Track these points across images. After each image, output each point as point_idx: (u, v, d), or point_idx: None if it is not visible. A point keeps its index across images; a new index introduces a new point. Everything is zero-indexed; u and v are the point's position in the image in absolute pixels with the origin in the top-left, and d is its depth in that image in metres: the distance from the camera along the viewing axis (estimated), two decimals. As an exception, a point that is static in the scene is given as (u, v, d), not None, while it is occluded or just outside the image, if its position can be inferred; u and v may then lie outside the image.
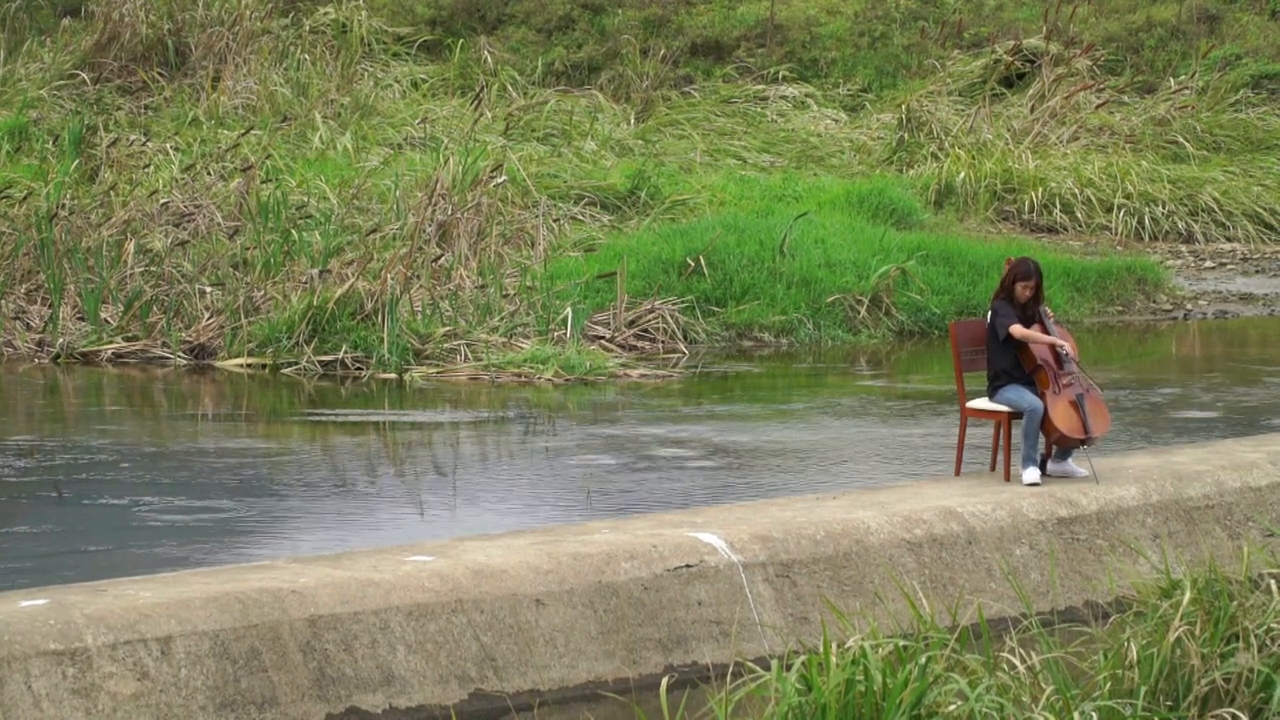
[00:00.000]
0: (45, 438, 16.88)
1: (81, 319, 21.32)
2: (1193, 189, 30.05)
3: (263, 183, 24.46)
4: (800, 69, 35.62)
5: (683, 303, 22.09)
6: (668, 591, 10.85)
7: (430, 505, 14.37)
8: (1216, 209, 29.79)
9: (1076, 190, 29.65)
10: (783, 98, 34.11)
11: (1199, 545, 12.61)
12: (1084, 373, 13.17)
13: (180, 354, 20.48)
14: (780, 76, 35.01)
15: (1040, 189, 29.55)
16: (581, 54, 36.22)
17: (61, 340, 20.80)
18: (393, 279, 20.38)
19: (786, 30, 36.68)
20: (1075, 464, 13.23)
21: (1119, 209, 29.47)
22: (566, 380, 19.46)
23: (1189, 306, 25.39)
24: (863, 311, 22.75)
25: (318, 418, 18.27)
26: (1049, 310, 13.38)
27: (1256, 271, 27.96)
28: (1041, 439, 13.08)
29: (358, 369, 19.85)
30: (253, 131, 27.84)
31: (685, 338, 21.76)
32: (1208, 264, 28.20)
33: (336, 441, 17.04)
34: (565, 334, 20.67)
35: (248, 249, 22.15)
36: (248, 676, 9.53)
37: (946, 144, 31.01)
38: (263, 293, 20.94)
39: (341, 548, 11.80)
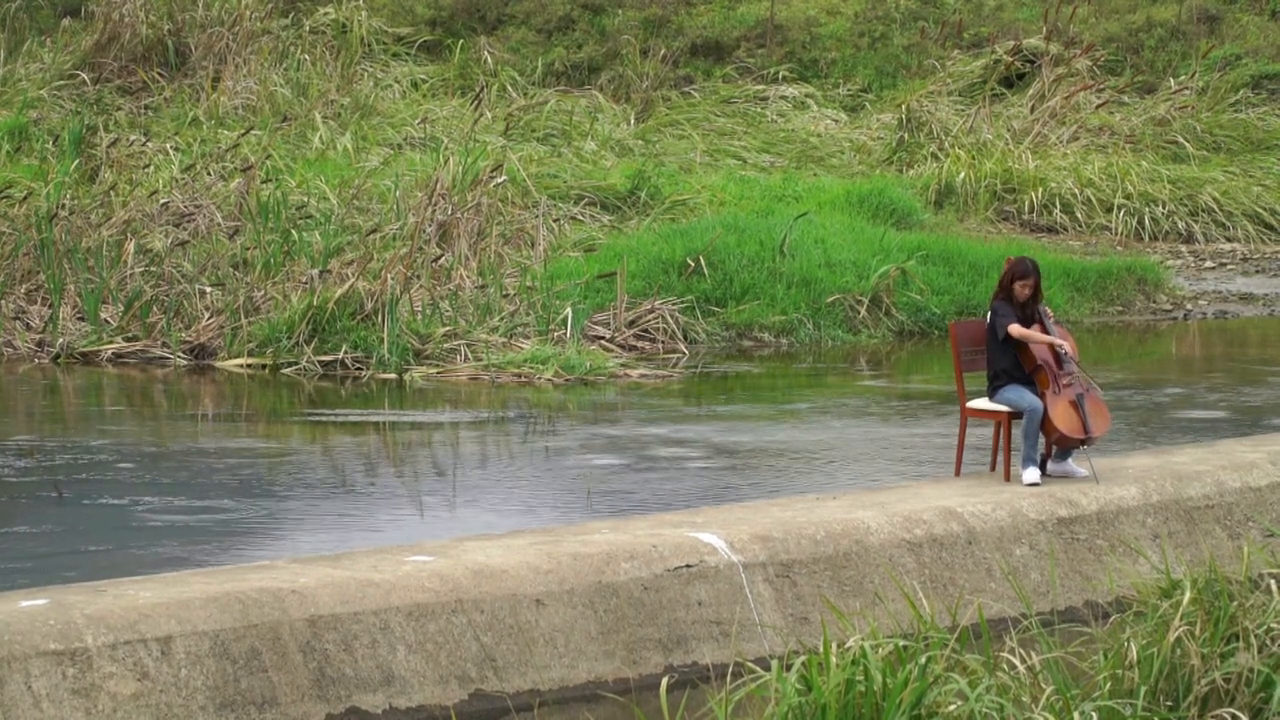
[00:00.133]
0: (45, 438, 16.88)
1: (81, 319, 21.32)
2: (1193, 189, 30.05)
3: (263, 183, 24.46)
4: (800, 69, 35.63)
5: (683, 303, 22.09)
6: (668, 591, 10.85)
7: (430, 505, 14.37)
8: (1216, 209, 29.79)
9: (1076, 190, 29.65)
10: (783, 98, 34.11)
11: (1199, 545, 12.61)
12: (1084, 373, 13.17)
13: (180, 354, 20.48)
14: (780, 77, 35.01)
15: (1040, 189, 29.55)
16: (581, 54, 36.22)
17: (61, 340, 20.80)
18: (393, 279, 20.38)
19: (786, 30, 36.68)
20: (1075, 464, 13.23)
21: (1119, 209, 29.47)
22: (566, 380, 19.46)
23: (1189, 307, 25.39)
24: (863, 311, 22.75)
25: (318, 418, 18.27)
26: (1049, 310, 13.38)
27: (1256, 271, 27.96)
28: (1041, 439, 13.07)
29: (358, 369, 19.85)
30: (253, 131, 27.85)
31: (685, 338, 21.76)
32: (1208, 264, 28.20)
33: (336, 442, 17.04)
34: (565, 334, 20.67)
35: (248, 249, 22.15)
36: (248, 676, 9.53)
37: (946, 144, 31.01)
38: (263, 293, 20.94)
39: (341, 548, 11.80)
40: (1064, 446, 13.17)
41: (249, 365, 20.10)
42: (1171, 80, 33.69)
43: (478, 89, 30.55)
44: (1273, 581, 9.52)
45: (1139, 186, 29.78)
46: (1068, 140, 31.51)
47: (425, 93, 33.38)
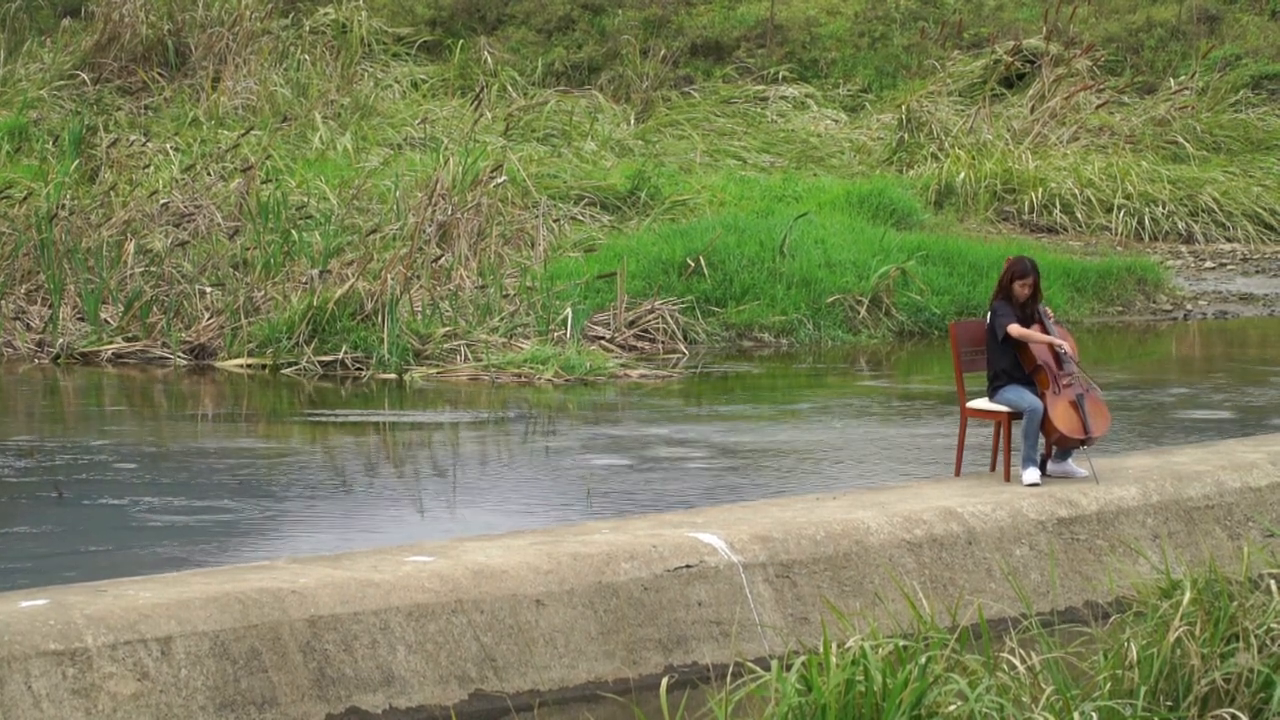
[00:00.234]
0: (45, 438, 16.88)
1: (81, 319, 21.32)
2: (1193, 189, 30.05)
3: (263, 183, 24.46)
4: (800, 69, 35.62)
5: (683, 303, 22.09)
6: (668, 592, 10.85)
7: (430, 505, 14.37)
8: (1216, 209, 29.79)
9: (1076, 190, 29.65)
10: (783, 98, 34.11)
11: (1199, 545, 12.61)
12: (1083, 373, 13.17)
13: (180, 354, 20.48)
14: (780, 77, 35.01)
15: (1040, 189, 29.55)
16: (581, 54, 36.22)
17: (61, 340, 20.80)
18: (393, 279, 20.38)
19: (786, 30, 36.68)
20: (1075, 464, 13.23)
21: (1119, 209, 29.47)
22: (566, 380, 19.46)
23: (1189, 307, 25.39)
24: (863, 312, 22.75)
25: (318, 418, 18.27)
26: (1049, 310, 13.38)
27: (1256, 272, 27.96)
28: (1041, 439, 13.08)
29: (358, 369, 19.85)
30: (253, 132, 27.85)
31: (685, 338, 21.76)
32: (1208, 264, 28.20)
33: (337, 442, 17.04)
34: (565, 334, 20.67)
35: (248, 249, 22.15)
36: (248, 677, 9.53)
37: (946, 144, 31.00)
38: (263, 293, 20.94)
39: (341, 548, 11.80)
40: (1064, 447, 13.17)
41: (249, 365, 20.10)
42: (1171, 80, 33.69)
43: (478, 89, 30.55)
44: (1273, 581, 9.52)
45: (1139, 187, 29.78)
46: (1068, 140, 31.51)
47: (425, 93, 33.38)
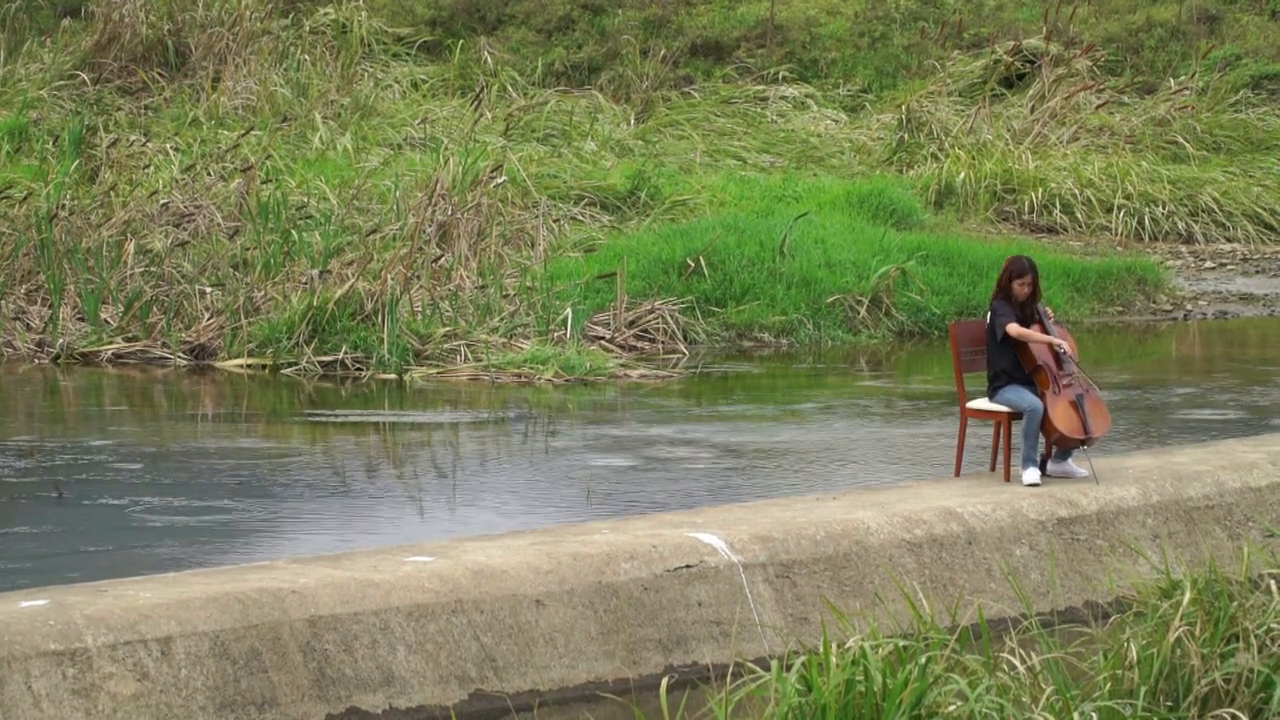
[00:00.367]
0: (45, 438, 16.88)
1: (81, 319, 21.32)
2: (1193, 189, 30.05)
3: (263, 183, 24.46)
4: (800, 69, 35.63)
5: (683, 303, 22.09)
6: (668, 592, 10.85)
7: (430, 505, 14.37)
8: (1216, 209, 29.80)
9: (1076, 190, 29.65)
10: (783, 98, 34.11)
11: (1199, 545, 12.61)
12: (1083, 373, 13.17)
13: (180, 354, 20.48)
14: (780, 77, 35.01)
15: (1040, 189, 29.56)
16: (581, 54, 36.22)
17: (61, 340, 20.80)
18: (393, 279, 20.39)
19: (786, 30, 36.68)
20: (1075, 464, 13.23)
21: (1119, 209, 29.47)
22: (566, 381, 19.46)
23: (1189, 307, 25.39)
24: (863, 312, 22.76)
25: (318, 418, 18.27)
26: (1050, 311, 13.38)
27: (1256, 272, 27.97)
28: (1041, 439, 13.08)
29: (358, 369, 19.85)
30: (253, 132, 27.85)
31: (685, 338, 21.76)
32: (1208, 264, 28.20)
33: (337, 442, 17.04)
34: (565, 334, 20.67)
35: (248, 249, 22.15)
36: (248, 677, 9.53)
37: (946, 144, 31.01)
38: (263, 293, 20.94)
39: (341, 548, 11.80)
40: (1064, 447, 13.18)
41: (249, 365, 20.10)
42: (1171, 80, 33.69)
43: (478, 89, 30.55)
44: (1273, 581, 9.52)
45: (1139, 187, 29.78)
46: (1068, 140, 31.51)
47: (425, 93, 33.38)
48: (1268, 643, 9.06)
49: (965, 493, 12.71)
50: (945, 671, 8.55)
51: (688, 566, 11.00)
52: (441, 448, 16.85)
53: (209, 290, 21.30)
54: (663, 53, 35.21)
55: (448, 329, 20.51)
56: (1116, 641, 9.18)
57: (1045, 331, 13.12)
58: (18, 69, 31.97)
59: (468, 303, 21.38)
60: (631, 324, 21.67)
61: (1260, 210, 29.94)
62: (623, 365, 20.30)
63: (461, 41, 35.50)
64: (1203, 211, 29.76)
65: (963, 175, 29.65)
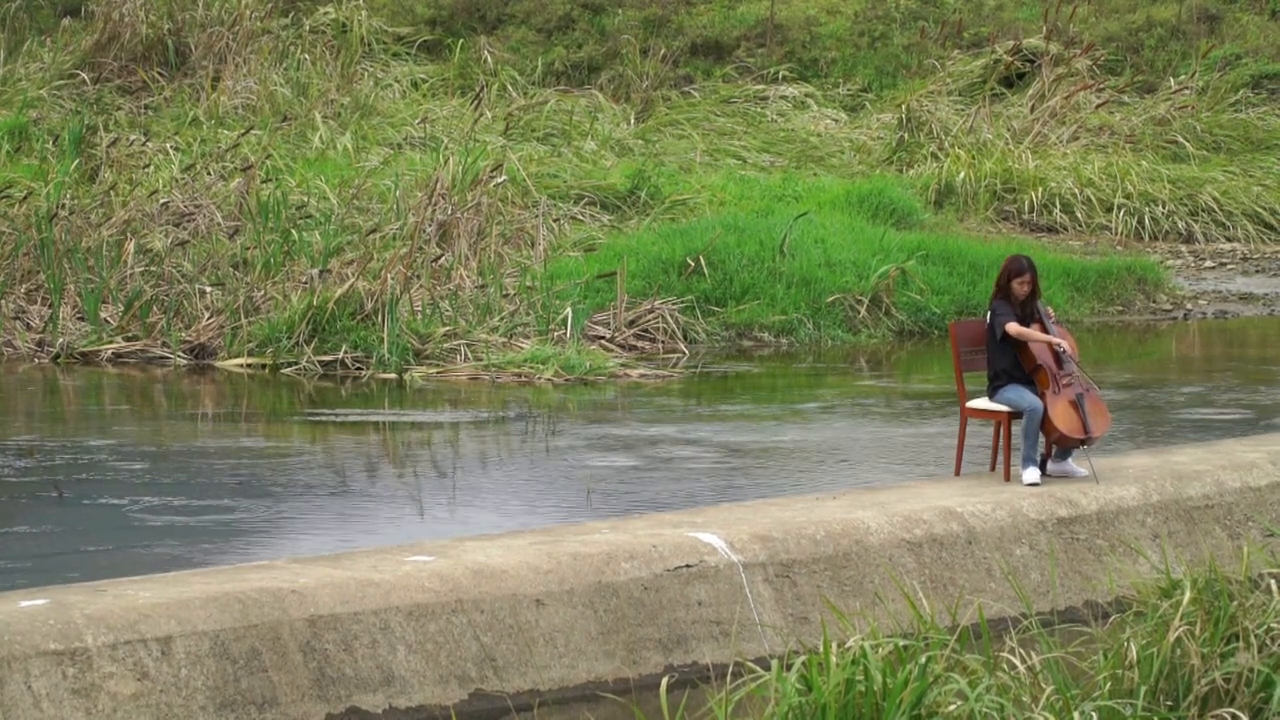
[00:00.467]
0: (45, 438, 16.87)
1: (81, 319, 21.32)
2: (1193, 189, 30.05)
3: (263, 183, 24.46)
4: (800, 69, 35.62)
5: (683, 303, 22.09)
6: (668, 591, 10.85)
7: (430, 505, 14.37)
8: (1216, 209, 29.79)
9: (1076, 190, 29.65)
10: (783, 98, 34.11)
11: (1199, 545, 12.61)
12: (1083, 372, 13.17)
13: (180, 354, 20.48)
14: (780, 76, 35.01)
15: (1040, 189, 29.55)
16: (581, 54, 36.22)
17: (61, 340, 20.80)
18: (393, 279, 20.38)
19: (786, 30, 36.68)
20: (1075, 464, 13.23)
21: (1119, 209, 29.47)
22: (566, 380, 19.46)
23: (1189, 306, 25.39)
24: (863, 311, 22.76)
25: (318, 418, 18.27)
26: (1050, 310, 13.38)
27: (1256, 271, 27.96)
28: (1041, 439, 13.08)
29: (358, 369, 19.85)
30: (253, 131, 27.85)
31: (685, 338, 21.76)
32: (1208, 264, 28.20)
33: (336, 441, 17.04)
34: (565, 334, 20.67)
35: (248, 249, 22.15)
36: (248, 676, 9.53)
37: (946, 144, 31.01)
38: (263, 293, 20.94)
39: (341, 548, 11.80)
40: (1064, 446, 13.18)
41: (249, 365, 20.10)
42: (1171, 80, 33.69)
43: (478, 89, 30.55)
44: (1273, 581, 9.52)
45: (1139, 186, 29.78)
46: (1068, 140, 31.51)
47: (425, 93, 33.38)
48: (1268, 642, 9.06)
49: (965, 492, 12.71)
50: (945, 671, 8.55)
51: (688, 566, 11.00)
52: (441, 447, 16.85)
53: (209, 290, 21.30)
54: (663, 52, 35.21)
55: (448, 328, 20.51)
56: (1116, 641, 9.18)
57: (1045, 331, 13.12)
58: (18, 69, 31.97)
59: (468, 302, 21.38)
60: (631, 323, 21.67)
61: (1260, 210, 29.94)
62: (623, 365, 20.30)
63: (461, 41, 35.50)
64: (1203, 211, 29.76)
65: (962, 175, 29.65)
